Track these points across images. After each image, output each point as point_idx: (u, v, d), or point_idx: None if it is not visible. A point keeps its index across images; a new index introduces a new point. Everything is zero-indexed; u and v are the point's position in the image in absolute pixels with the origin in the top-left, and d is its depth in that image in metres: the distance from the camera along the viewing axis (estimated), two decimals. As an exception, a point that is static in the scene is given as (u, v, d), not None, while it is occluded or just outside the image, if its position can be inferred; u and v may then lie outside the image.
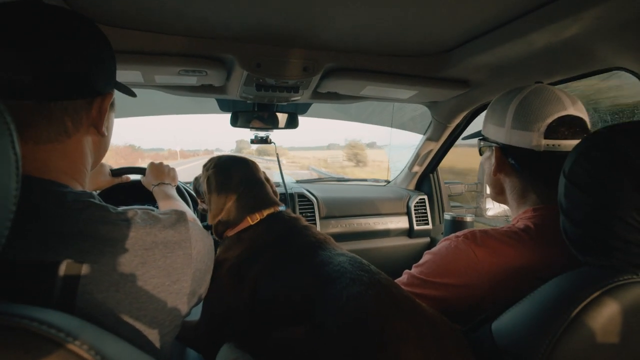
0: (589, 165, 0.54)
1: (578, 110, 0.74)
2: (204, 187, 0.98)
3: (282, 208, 0.93)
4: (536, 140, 0.73)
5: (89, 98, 0.54)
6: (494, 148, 0.82)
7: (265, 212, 0.88)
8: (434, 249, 0.78)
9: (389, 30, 0.93)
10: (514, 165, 0.79)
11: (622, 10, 0.69)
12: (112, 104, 0.61)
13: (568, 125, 0.72)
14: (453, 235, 0.76)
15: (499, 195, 0.89)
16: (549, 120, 0.72)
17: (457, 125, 1.64)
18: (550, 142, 0.73)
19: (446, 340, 0.57)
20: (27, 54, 0.46)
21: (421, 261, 0.79)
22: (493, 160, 0.84)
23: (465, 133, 1.69)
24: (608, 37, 0.81)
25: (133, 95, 0.74)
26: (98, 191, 1.17)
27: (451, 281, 0.71)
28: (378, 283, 0.63)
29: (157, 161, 1.15)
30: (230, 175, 0.93)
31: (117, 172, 1.17)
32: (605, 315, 0.49)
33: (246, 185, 0.92)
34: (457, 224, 1.47)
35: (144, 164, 1.23)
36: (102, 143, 0.61)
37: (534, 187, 0.78)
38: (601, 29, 0.77)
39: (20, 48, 0.45)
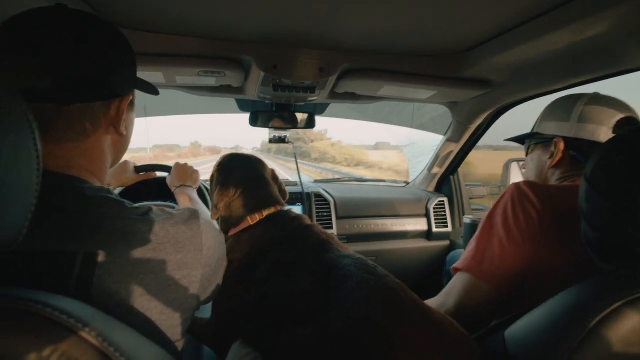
0: (609, 169, 0.52)
1: (637, 115, 0.80)
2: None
3: (286, 208, 0.91)
4: (605, 134, 0.77)
5: (107, 100, 0.55)
6: (555, 141, 0.84)
7: (265, 213, 0.87)
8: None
9: (405, 30, 0.91)
10: (575, 156, 0.82)
11: None
12: (132, 104, 0.62)
13: (632, 125, 0.78)
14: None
15: None
16: (618, 117, 0.77)
17: (479, 126, 1.60)
18: None
19: (454, 347, 0.56)
20: (48, 60, 0.47)
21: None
22: (548, 155, 0.87)
23: (486, 135, 1.64)
24: (634, 37, 0.77)
25: (156, 93, 0.74)
26: (121, 188, 1.22)
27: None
28: (385, 287, 0.62)
29: (182, 162, 1.20)
30: (232, 174, 0.93)
31: (141, 169, 1.23)
32: (626, 328, 0.47)
33: (247, 184, 0.90)
34: (477, 228, 1.42)
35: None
36: (121, 142, 0.62)
37: None
38: (626, 28, 0.74)
39: (43, 56, 0.47)
